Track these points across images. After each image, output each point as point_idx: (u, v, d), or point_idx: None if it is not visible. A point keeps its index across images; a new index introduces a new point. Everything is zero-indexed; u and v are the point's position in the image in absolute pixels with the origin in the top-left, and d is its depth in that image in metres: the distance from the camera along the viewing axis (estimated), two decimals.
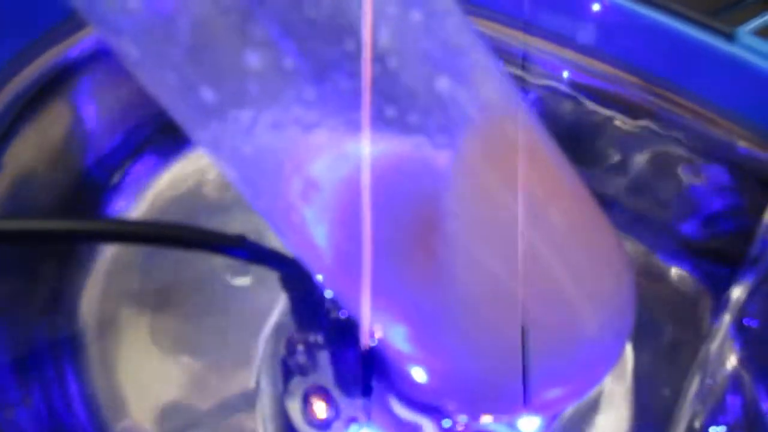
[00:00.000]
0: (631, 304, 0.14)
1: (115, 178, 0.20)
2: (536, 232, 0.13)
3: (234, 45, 0.11)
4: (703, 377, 0.18)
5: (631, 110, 0.21)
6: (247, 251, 0.16)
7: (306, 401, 0.17)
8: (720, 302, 0.20)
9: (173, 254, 0.21)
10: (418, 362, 0.15)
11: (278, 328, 0.21)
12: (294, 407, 0.17)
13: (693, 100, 0.20)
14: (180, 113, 0.13)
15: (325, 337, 0.17)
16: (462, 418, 0.16)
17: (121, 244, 0.20)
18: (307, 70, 0.12)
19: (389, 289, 0.14)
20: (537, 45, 0.21)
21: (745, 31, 0.18)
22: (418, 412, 0.16)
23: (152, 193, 0.21)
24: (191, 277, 0.21)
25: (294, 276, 0.17)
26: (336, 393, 0.17)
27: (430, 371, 0.15)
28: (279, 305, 0.21)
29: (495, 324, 0.14)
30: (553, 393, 0.14)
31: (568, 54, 0.21)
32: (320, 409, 0.17)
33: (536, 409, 0.15)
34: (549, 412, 0.16)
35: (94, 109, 0.18)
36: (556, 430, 0.17)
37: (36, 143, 0.17)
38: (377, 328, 0.15)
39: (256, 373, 0.20)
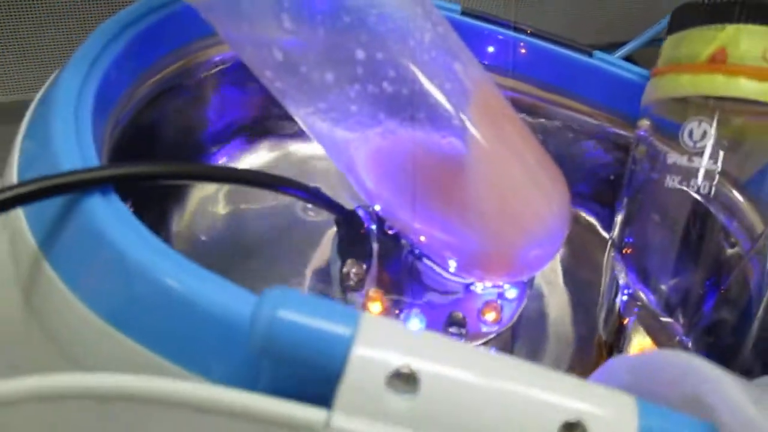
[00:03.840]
0: (568, 195, 0.24)
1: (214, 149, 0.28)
2: (526, 152, 0.23)
3: (347, 57, 0.20)
4: (609, 274, 0.28)
5: (530, 110, 0.32)
6: (319, 198, 0.24)
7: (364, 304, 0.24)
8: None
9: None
10: (448, 250, 0.23)
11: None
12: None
13: (571, 97, 0.30)
14: (296, 96, 0.21)
15: (369, 257, 0.25)
16: (478, 285, 0.25)
17: (239, 186, 0.27)
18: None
19: (429, 209, 0.22)
20: None
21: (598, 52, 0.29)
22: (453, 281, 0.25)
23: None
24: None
25: (350, 222, 0.25)
26: (388, 293, 0.24)
27: (457, 254, 0.23)
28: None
29: (500, 219, 0.23)
30: (533, 254, 0.23)
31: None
32: (377, 307, 0.24)
33: (522, 271, 0.24)
34: (531, 272, 0.25)
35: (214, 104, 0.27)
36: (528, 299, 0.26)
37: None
38: (419, 235, 0.23)
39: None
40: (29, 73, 0.34)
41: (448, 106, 0.21)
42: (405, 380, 0.14)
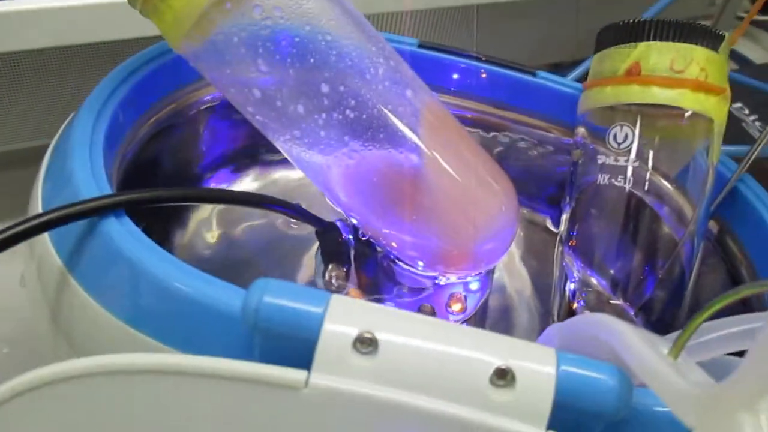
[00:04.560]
0: (515, 195, 0.28)
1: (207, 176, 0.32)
2: (473, 160, 0.26)
3: (314, 91, 0.24)
4: (559, 265, 0.32)
5: (487, 126, 0.36)
6: (302, 214, 0.28)
7: None
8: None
9: None
10: (413, 250, 0.27)
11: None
12: None
13: (523, 113, 0.34)
14: (275, 127, 0.25)
15: (348, 262, 0.29)
16: (443, 279, 0.28)
17: (231, 205, 0.31)
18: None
19: (394, 216, 0.26)
20: None
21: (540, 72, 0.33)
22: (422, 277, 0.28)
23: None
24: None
25: (328, 232, 0.29)
26: (366, 291, 0.28)
27: (421, 254, 0.27)
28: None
29: (455, 220, 0.26)
30: (488, 249, 0.27)
31: (447, 98, 0.35)
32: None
33: (479, 264, 0.28)
34: (487, 265, 0.28)
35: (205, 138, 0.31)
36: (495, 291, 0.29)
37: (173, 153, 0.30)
38: (388, 239, 0.27)
39: None
40: (39, 122, 0.38)
41: (401, 126, 0.25)
42: (367, 344, 0.18)
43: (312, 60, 0.24)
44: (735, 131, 0.66)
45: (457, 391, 0.17)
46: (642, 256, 0.30)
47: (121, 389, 0.18)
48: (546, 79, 0.33)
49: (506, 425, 0.17)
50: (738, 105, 0.69)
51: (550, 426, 0.17)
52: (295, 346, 0.18)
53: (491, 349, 0.18)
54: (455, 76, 0.35)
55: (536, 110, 0.34)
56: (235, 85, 0.25)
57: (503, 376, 0.18)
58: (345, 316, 0.18)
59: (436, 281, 0.28)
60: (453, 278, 0.28)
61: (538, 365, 0.18)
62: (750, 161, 0.30)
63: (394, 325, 0.18)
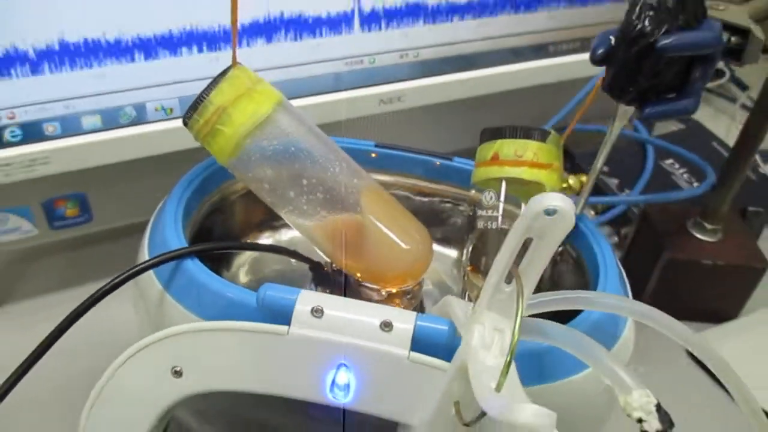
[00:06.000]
0: (429, 238, 0.45)
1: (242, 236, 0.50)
2: (398, 216, 0.44)
3: (299, 183, 0.42)
4: (462, 282, 0.48)
5: (425, 194, 0.53)
6: (298, 256, 0.45)
7: None
8: None
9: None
10: (364, 275, 0.44)
11: None
12: None
13: (444, 184, 0.52)
14: (278, 204, 0.43)
15: (331, 286, 0.46)
16: (384, 290, 0.45)
17: (256, 252, 0.49)
18: (322, 204, 0.42)
19: (350, 255, 0.44)
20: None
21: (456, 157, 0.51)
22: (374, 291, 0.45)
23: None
24: None
25: (316, 267, 0.46)
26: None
27: (369, 277, 0.44)
28: None
29: (387, 255, 0.44)
30: (411, 272, 0.44)
31: (396, 177, 0.53)
32: None
33: (407, 281, 0.44)
34: (414, 281, 0.45)
35: (239, 214, 0.49)
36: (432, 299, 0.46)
37: (221, 222, 0.48)
38: (351, 269, 0.44)
39: None
40: (140, 205, 0.57)
41: (351, 201, 0.42)
42: (319, 312, 0.35)
43: (297, 166, 0.42)
44: (667, 182, 0.82)
45: (364, 333, 0.34)
46: None
47: (206, 339, 0.35)
48: (459, 162, 0.51)
49: (388, 349, 0.34)
50: (670, 161, 0.85)
51: (412, 350, 0.34)
52: (282, 316, 0.35)
53: (382, 313, 0.35)
54: (402, 163, 0.53)
55: (453, 182, 0.52)
56: (254, 181, 0.43)
57: (387, 325, 0.35)
58: (307, 300, 0.35)
59: (384, 292, 0.46)
60: (393, 290, 0.46)
61: (405, 321, 0.35)
62: (584, 204, 0.46)
63: (332, 304, 0.35)
